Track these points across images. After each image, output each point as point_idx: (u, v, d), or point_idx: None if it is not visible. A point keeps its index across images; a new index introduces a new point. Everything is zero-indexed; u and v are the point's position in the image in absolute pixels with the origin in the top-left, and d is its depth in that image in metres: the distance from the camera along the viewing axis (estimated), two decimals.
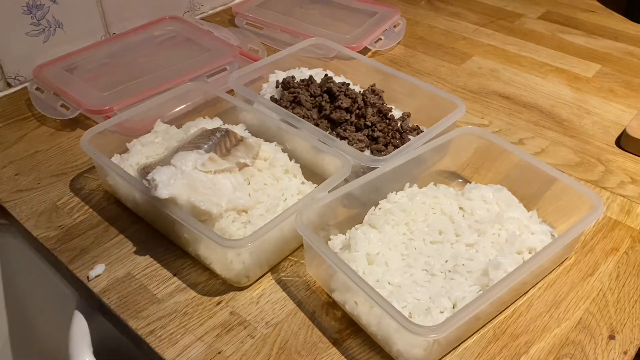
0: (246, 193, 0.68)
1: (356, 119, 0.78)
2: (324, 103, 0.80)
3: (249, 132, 0.79)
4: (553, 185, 0.69)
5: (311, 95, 0.82)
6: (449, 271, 0.61)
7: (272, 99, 0.84)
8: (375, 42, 1.06)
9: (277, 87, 0.85)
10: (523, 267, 0.57)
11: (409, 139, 0.77)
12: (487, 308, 0.57)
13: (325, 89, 0.82)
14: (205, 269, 0.66)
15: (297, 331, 0.60)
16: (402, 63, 1.04)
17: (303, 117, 0.79)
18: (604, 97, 0.95)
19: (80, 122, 0.88)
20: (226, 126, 0.78)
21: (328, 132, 0.77)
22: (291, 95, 0.82)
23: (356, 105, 0.79)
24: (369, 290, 0.54)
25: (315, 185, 0.71)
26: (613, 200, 0.75)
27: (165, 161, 0.68)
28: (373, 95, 0.81)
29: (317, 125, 0.78)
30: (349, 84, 0.83)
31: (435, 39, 1.12)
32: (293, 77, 0.85)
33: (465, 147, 0.76)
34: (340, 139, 0.76)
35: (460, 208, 0.69)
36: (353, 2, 1.15)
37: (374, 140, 0.77)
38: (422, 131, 0.79)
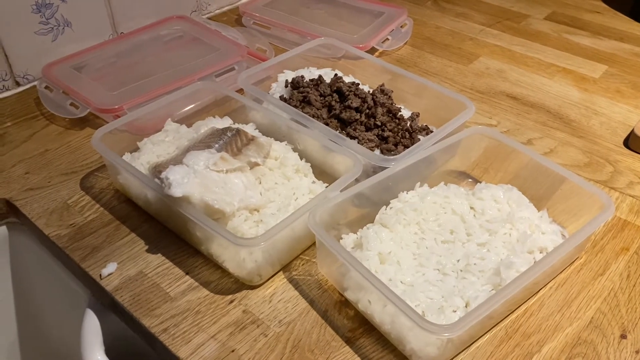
0: (258, 192, 0.68)
1: (366, 119, 0.78)
2: (333, 103, 0.80)
3: (259, 131, 0.79)
4: (563, 185, 0.69)
5: (321, 95, 0.82)
6: (461, 270, 0.61)
7: (282, 98, 0.84)
8: (383, 42, 1.06)
9: (286, 86, 0.85)
10: (535, 266, 0.57)
11: (419, 139, 0.77)
12: (499, 307, 0.57)
13: (335, 88, 0.82)
14: (218, 267, 0.66)
15: (310, 330, 0.60)
16: (409, 63, 1.04)
17: (313, 116, 0.79)
18: (611, 97, 0.95)
19: (89, 121, 0.88)
20: (236, 125, 0.78)
21: (338, 131, 0.77)
22: (301, 95, 0.82)
23: (366, 105, 0.79)
24: (383, 289, 0.54)
25: (325, 184, 0.72)
26: (622, 201, 0.76)
27: (176, 160, 0.68)
28: (382, 95, 0.81)
29: (327, 124, 0.78)
30: (358, 84, 0.83)
31: (442, 39, 1.12)
32: (302, 76, 0.85)
33: (474, 147, 0.76)
34: (351, 139, 0.76)
35: (471, 208, 0.69)
36: (360, 2, 1.15)
37: (384, 139, 0.77)
38: (431, 131, 0.80)
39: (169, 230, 0.71)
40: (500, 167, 0.75)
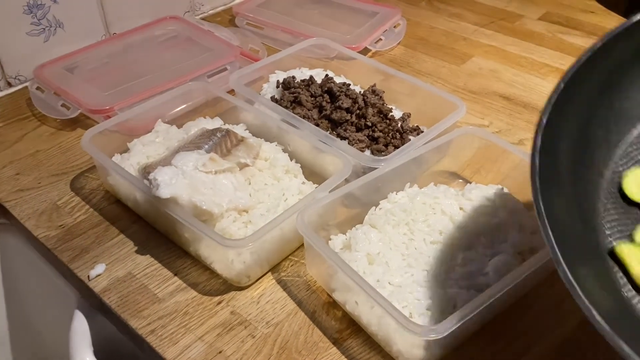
0: (247, 193, 0.68)
1: (357, 119, 0.78)
2: (324, 103, 0.80)
3: (250, 132, 0.79)
4: None
5: (312, 96, 0.82)
6: (450, 271, 0.61)
7: (273, 99, 0.84)
8: (376, 42, 1.06)
9: (277, 87, 0.85)
10: (524, 266, 0.57)
11: (410, 139, 0.77)
12: (487, 308, 0.57)
13: (326, 89, 0.82)
14: (206, 268, 0.66)
15: (298, 331, 0.60)
16: (402, 63, 1.04)
17: (303, 117, 0.79)
18: None
19: (80, 122, 0.88)
20: (227, 126, 0.78)
21: (328, 132, 0.77)
22: (292, 96, 0.82)
23: (357, 105, 0.79)
24: (369, 290, 0.54)
25: (315, 185, 0.71)
26: None
27: (166, 161, 0.68)
28: (373, 96, 0.81)
29: (317, 125, 0.78)
30: (349, 85, 0.83)
31: (436, 39, 1.12)
32: (294, 77, 0.85)
33: (465, 148, 0.76)
34: (341, 139, 0.76)
35: (461, 208, 0.69)
36: (353, 3, 1.15)
37: (375, 140, 0.77)
38: (422, 131, 0.79)
39: (158, 232, 0.71)
40: (491, 168, 0.75)
